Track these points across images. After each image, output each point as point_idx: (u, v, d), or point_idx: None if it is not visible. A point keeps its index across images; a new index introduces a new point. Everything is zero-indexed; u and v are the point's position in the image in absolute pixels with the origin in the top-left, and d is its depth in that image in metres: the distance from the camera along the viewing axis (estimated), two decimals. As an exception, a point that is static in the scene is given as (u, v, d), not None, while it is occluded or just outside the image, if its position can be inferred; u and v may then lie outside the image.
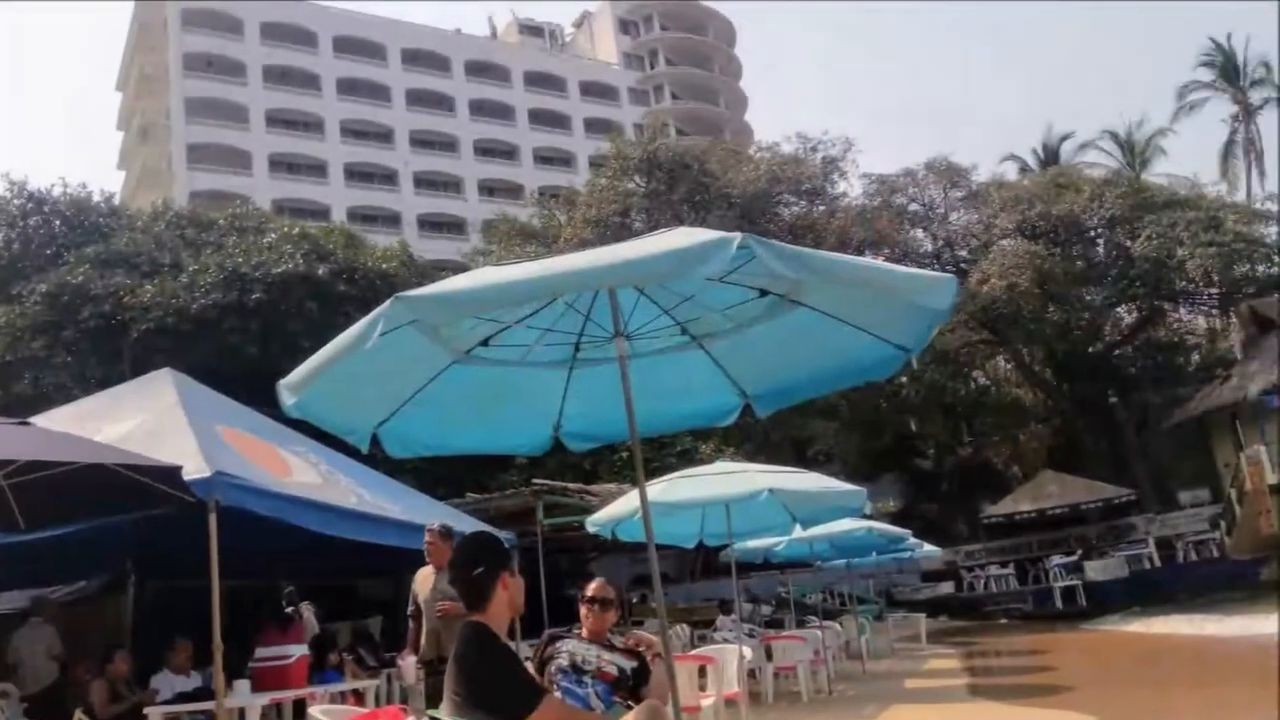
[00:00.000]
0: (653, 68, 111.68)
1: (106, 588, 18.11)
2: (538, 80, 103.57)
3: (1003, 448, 66.11)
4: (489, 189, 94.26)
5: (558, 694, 7.18)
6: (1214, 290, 54.55)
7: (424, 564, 11.95)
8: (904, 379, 53.31)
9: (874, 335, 7.51)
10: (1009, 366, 65.46)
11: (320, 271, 36.19)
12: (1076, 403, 57.54)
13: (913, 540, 31.50)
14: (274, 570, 17.39)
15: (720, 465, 19.88)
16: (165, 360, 21.77)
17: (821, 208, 58.80)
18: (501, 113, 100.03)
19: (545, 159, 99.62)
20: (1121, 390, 58.26)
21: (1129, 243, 52.44)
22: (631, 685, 7.50)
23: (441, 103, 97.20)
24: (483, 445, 9.11)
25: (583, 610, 8.07)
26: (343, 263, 37.75)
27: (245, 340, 34.39)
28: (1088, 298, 54.27)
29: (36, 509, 10.98)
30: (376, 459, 10.95)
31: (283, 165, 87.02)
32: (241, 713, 12.76)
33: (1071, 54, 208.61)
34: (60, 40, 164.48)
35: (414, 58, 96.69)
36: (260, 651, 13.99)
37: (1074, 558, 47.25)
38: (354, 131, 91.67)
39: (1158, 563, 46.24)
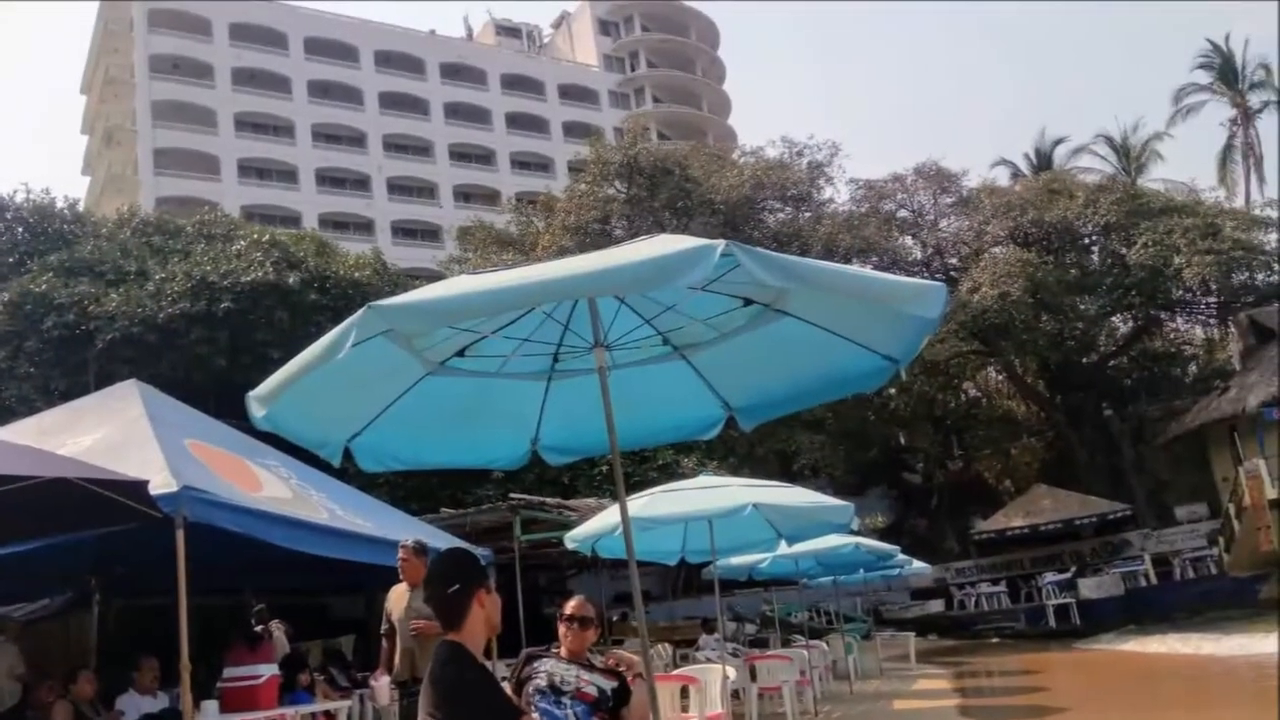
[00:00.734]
0: (633, 70, 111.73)
1: (70, 606, 18.07)
2: (515, 83, 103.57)
3: (994, 461, 66.16)
4: (465, 195, 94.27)
5: (535, 715, 7.19)
6: (1212, 299, 54.74)
7: (397, 581, 11.96)
8: (893, 390, 53.34)
9: (862, 346, 7.52)
10: (1000, 378, 65.48)
11: (291, 280, 36.19)
12: (1070, 415, 57.55)
13: (901, 557, 31.57)
14: (243, 588, 17.37)
15: (703, 479, 19.85)
16: (131, 371, 21.83)
17: (807, 214, 58.84)
18: (478, 116, 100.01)
19: (523, 164, 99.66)
20: (1116, 402, 58.40)
21: (1124, 250, 52.48)
22: (611, 706, 7.51)
23: (416, 106, 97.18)
24: (458, 459, 9.08)
25: (561, 629, 8.08)
26: (314, 271, 37.75)
27: (213, 351, 34.41)
28: (1082, 307, 54.26)
29: (-3, 525, 10.95)
30: (349, 473, 10.97)
31: (252, 170, 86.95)
32: (209, 734, 12.74)
33: (1065, 56, 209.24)
34: (21, 42, 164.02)
35: (387, 60, 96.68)
36: (229, 671, 13.97)
37: (1068, 575, 47.27)
38: (326, 135, 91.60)
39: (1154, 580, 46.25)
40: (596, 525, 16.75)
